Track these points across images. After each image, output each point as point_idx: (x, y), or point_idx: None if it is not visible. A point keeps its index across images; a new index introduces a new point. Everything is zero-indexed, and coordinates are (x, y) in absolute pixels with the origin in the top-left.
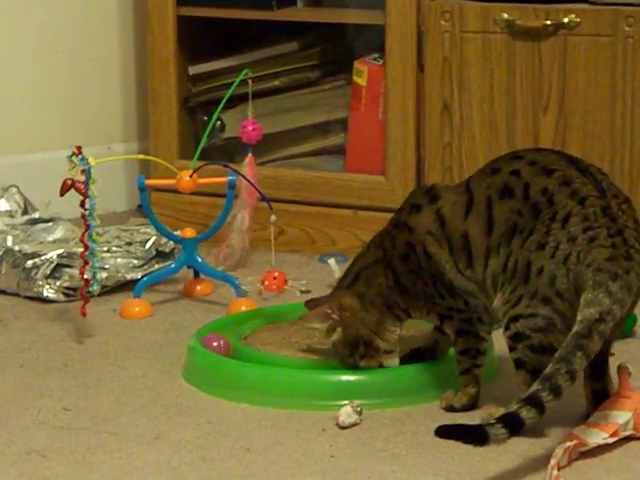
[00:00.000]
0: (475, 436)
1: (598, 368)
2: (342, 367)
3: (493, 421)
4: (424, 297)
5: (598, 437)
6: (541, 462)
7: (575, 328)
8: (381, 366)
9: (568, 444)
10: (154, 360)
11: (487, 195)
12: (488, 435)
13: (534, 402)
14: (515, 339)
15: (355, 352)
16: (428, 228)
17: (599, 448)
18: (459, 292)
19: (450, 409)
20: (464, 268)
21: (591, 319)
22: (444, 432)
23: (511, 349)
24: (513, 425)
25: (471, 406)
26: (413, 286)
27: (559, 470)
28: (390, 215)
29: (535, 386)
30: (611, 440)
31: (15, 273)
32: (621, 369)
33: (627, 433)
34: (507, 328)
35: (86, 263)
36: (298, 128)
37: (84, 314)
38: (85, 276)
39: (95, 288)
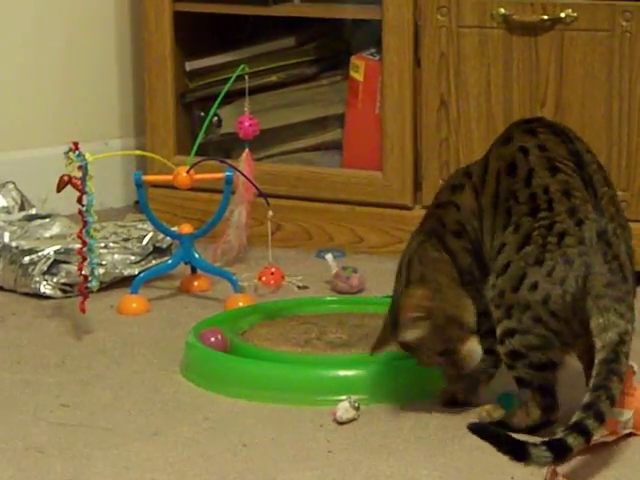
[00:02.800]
0: (516, 450)
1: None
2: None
3: (538, 442)
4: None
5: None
6: None
7: (601, 355)
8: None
9: None
10: (151, 356)
11: (497, 167)
12: (530, 454)
13: (580, 429)
14: (513, 357)
15: (450, 341)
16: (472, 207)
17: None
18: None
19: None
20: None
21: (613, 342)
22: (479, 431)
23: (510, 367)
24: (559, 450)
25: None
26: (468, 266)
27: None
28: (387, 210)
29: (579, 414)
30: (610, 438)
31: (12, 269)
32: (626, 367)
33: (626, 431)
34: (502, 342)
35: (84, 259)
36: (295, 124)
37: (83, 310)
38: (83, 272)
39: (94, 284)
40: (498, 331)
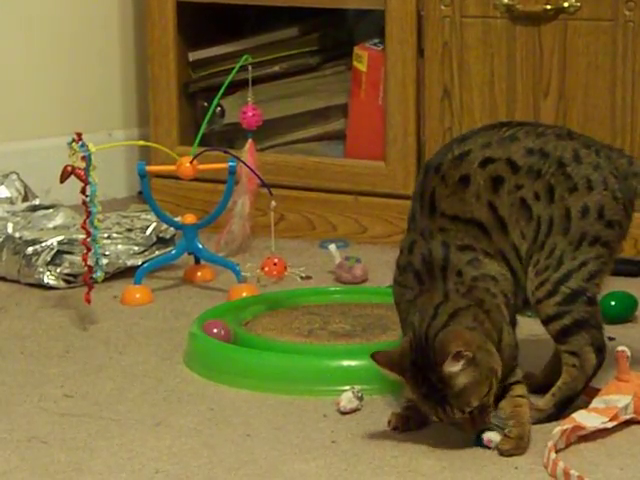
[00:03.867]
0: None
1: None
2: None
3: None
4: None
5: (597, 421)
6: (540, 445)
7: None
8: None
9: (566, 427)
10: (155, 347)
11: (486, 201)
12: None
13: None
14: (570, 300)
15: (487, 395)
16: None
17: (599, 432)
18: None
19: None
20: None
21: None
22: None
23: (562, 314)
24: None
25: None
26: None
27: (557, 453)
28: (390, 200)
29: None
30: (610, 424)
31: (16, 260)
32: (618, 353)
33: (627, 417)
34: (553, 293)
35: (88, 250)
36: (298, 114)
37: (88, 301)
38: (88, 263)
39: (99, 274)
40: (548, 287)
